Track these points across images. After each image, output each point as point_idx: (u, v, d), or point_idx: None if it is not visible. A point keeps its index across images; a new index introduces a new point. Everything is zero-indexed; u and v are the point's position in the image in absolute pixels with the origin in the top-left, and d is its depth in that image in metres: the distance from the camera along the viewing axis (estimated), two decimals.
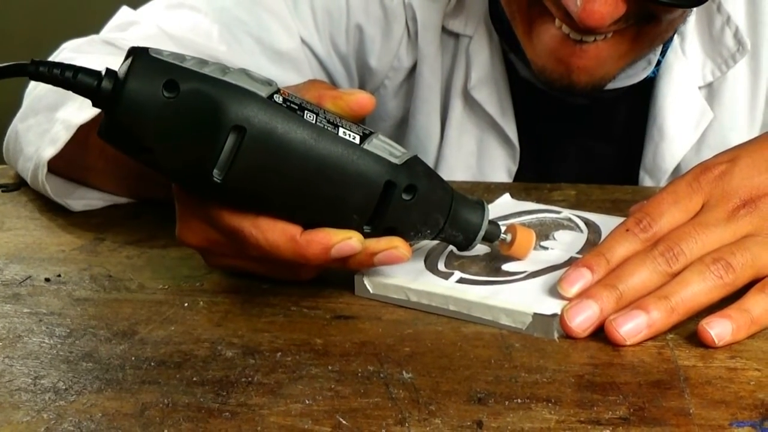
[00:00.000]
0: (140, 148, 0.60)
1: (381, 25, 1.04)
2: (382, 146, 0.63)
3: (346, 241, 0.62)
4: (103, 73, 0.60)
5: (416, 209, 0.63)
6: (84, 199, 0.89)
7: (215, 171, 0.60)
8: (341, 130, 0.62)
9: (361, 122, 0.65)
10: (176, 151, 0.60)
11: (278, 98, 0.61)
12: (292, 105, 0.61)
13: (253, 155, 0.60)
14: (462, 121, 1.06)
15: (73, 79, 0.60)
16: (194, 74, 0.59)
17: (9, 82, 0.63)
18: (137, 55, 0.60)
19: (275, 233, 0.62)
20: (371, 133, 0.63)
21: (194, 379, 0.58)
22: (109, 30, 1.04)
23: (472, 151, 1.07)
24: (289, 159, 0.60)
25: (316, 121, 0.61)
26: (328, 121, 0.62)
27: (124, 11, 1.06)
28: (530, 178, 1.04)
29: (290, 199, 0.62)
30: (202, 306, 0.68)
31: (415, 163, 0.63)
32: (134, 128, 0.59)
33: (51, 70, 0.61)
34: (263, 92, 0.60)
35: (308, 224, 0.63)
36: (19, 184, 0.94)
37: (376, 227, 0.63)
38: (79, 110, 0.83)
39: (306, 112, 0.61)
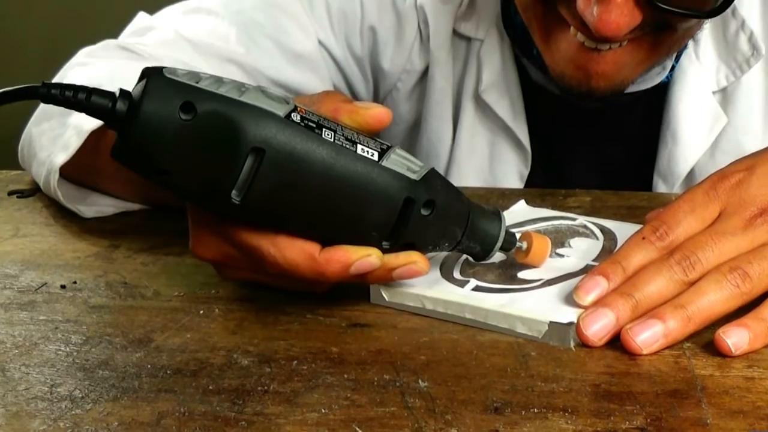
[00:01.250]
0: (156, 171, 0.59)
1: (394, 28, 1.04)
2: (400, 162, 0.62)
3: (365, 258, 0.62)
4: (117, 94, 0.59)
5: (435, 224, 0.63)
6: (96, 206, 0.89)
7: (234, 192, 0.59)
8: (359, 147, 0.61)
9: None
10: (193, 173, 0.59)
11: (296, 117, 0.60)
12: (310, 123, 0.60)
13: (273, 176, 0.59)
14: (473, 125, 1.06)
15: (86, 101, 0.59)
16: (211, 95, 0.58)
17: (27, 82, 0.62)
18: (152, 75, 0.59)
19: (294, 252, 0.62)
20: (389, 147, 0.63)
21: (210, 387, 0.58)
22: (127, 36, 1.04)
23: (484, 155, 1.06)
24: (309, 179, 0.60)
25: (334, 139, 0.60)
26: (347, 138, 0.61)
27: (141, 17, 1.06)
28: (542, 182, 1.04)
29: (309, 217, 0.61)
30: (217, 314, 0.68)
31: (432, 177, 0.63)
32: (150, 151, 0.59)
33: (63, 92, 0.60)
34: (281, 111, 0.59)
35: (326, 241, 0.62)
36: (35, 190, 0.95)
37: (394, 243, 0.63)
38: None
39: (324, 129, 0.61)
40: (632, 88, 0.98)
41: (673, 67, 1.01)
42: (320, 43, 1.04)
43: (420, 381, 0.58)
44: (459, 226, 0.64)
